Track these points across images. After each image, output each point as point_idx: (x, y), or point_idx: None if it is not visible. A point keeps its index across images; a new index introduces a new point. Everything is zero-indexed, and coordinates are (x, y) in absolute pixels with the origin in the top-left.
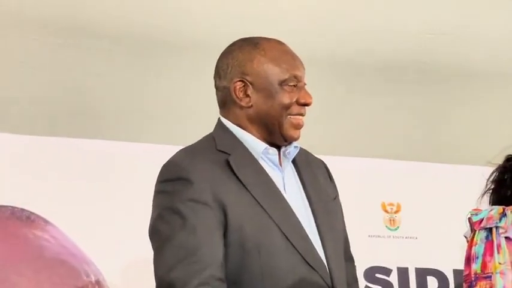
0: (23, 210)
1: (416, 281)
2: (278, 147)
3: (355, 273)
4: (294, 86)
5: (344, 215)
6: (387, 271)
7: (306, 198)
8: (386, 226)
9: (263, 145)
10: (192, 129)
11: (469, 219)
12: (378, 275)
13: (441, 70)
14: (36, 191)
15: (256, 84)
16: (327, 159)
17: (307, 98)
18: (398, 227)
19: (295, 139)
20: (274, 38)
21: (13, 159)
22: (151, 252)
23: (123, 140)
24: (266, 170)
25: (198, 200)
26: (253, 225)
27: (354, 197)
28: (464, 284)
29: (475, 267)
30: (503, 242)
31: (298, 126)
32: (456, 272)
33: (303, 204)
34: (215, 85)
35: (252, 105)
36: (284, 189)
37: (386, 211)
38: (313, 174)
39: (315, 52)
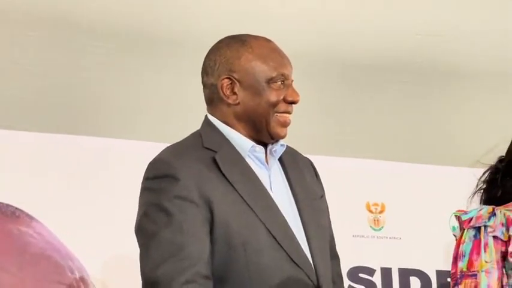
0: (8, 205)
1: (400, 281)
2: (265, 145)
3: (340, 271)
4: (281, 84)
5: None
6: (371, 271)
7: (292, 196)
8: (370, 226)
9: (250, 143)
10: (185, 127)
11: (458, 217)
12: (361, 275)
13: (429, 71)
14: (22, 187)
15: (243, 81)
16: (313, 159)
17: (295, 96)
18: (382, 227)
19: (282, 137)
20: (262, 35)
21: None
22: (137, 249)
23: (114, 137)
24: (253, 168)
25: (185, 197)
26: (239, 223)
27: (338, 196)
28: (451, 281)
29: (462, 265)
30: (490, 241)
31: (285, 124)
32: (439, 273)
33: (289, 202)
34: (202, 82)
35: (239, 103)
36: (270, 187)
37: (370, 211)
38: (300, 172)
39: (305, 51)
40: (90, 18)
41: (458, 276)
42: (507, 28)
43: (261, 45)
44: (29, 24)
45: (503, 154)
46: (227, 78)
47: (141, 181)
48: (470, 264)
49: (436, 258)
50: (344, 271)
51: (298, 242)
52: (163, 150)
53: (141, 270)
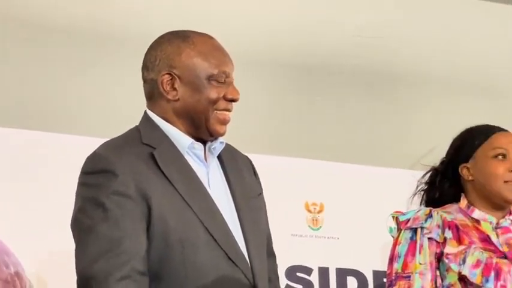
0: None
1: (337, 281)
2: (204, 143)
3: (276, 269)
4: (222, 81)
5: (267, 213)
6: (308, 270)
7: (231, 194)
8: (309, 226)
9: (189, 139)
10: (124, 122)
11: (396, 218)
12: (299, 274)
13: (370, 72)
14: None
15: (184, 77)
16: (253, 157)
17: (235, 93)
18: (320, 226)
19: (221, 134)
20: (205, 32)
21: None
22: (73, 244)
23: (50, 131)
24: (191, 164)
25: (122, 192)
26: (177, 220)
27: (278, 195)
28: (386, 282)
29: (396, 266)
30: (426, 242)
31: (224, 122)
32: (376, 273)
33: (227, 200)
34: (143, 77)
35: (178, 99)
36: (208, 184)
37: (309, 211)
38: (239, 170)
39: (248, 50)
40: (32, 12)
41: (393, 278)
42: (448, 30)
43: (203, 41)
44: None
45: (443, 156)
46: (167, 74)
47: (78, 176)
48: (405, 265)
49: (373, 259)
50: (282, 270)
51: (235, 240)
52: (101, 145)
53: (76, 266)
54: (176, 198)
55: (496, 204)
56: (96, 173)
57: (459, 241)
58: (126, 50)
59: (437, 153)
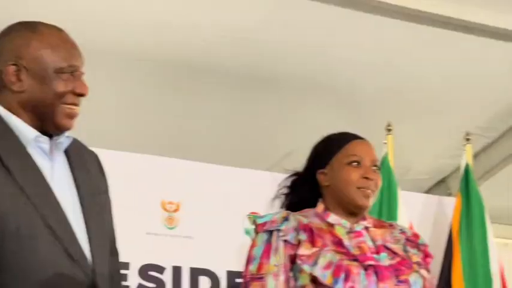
0: None
1: (190, 280)
2: (51, 136)
3: (119, 267)
4: (71, 75)
5: (123, 211)
6: (161, 269)
7: (76, 190)
8: (164, 224)
9: (34, 133)
10: None
11: (254, 221)
12: (151, 273)
13: (235, 73)
14: None
15: (30, 69)
16: (108, 154)
17: (83, 88)
18: (176, 226)
19: (68, 129)
20: (54, 24)
21: None
22: None
23: None
24: (35, 158)
25: None
26: (15, 213)
27: (134, 193)
28: (241, 284)
29: (252, 268)
30: (281, 245)
31: (71, 116)
32: (230, 274)
33: (71, 196)
34: None
35: (24, 90)
36: (52, 178)
37: (165, 209)
38: (85, 166)
39: (108, 46)
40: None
41: (248, 279)
42: (316, 36)
43: (52, 34)
44: None
45: (302, 159)
46: (14, 64)
47: None
48: (260, 267)
49: (227, 259)
50: (135, 268)
51: (76, 236)
52: None
53: None
54: (16, 190)
55: (350, 210)
56: None
57: (313, 243)
58: None
59: (297, 157)
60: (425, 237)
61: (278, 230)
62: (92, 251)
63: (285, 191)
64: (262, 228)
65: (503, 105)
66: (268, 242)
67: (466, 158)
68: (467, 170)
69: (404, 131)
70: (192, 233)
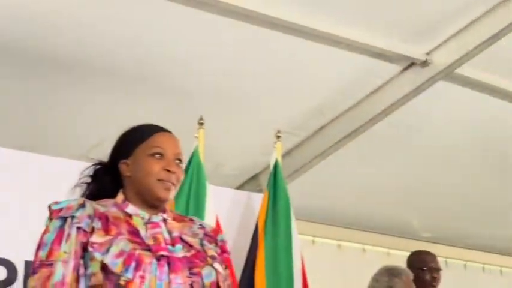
0: None
1: None
2: None
3: None
4: None
5: None
6: None
7: None
8: None
9: None
10: None
11: (49, 207)
12: None
13: (39, 57)
14: None
15: None
16: None
17: None
18: None
19: None
20: None
21: None
22: None
23: None
24: None
25: None
26: None
27: None
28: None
29: (42, 254)
30: (74, 231)
31: None
32: (28, 263)
33: None
34: None
35: None
36: None
37: None
38: None
39: None
40: None
41: (37, 265)
42: (130, 25)
43: None
44: None
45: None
46: None
47: None
48: (50, 253)
49: (25, 249)
50: None
51: None
52: None
53: None
54: None
55: (150, 202)
56: None
57: (106, 232)
58: None
59: (106, 147)
60: (233, 232)
61: (72, 217)
62: None
63: (87, 180)
64: (57, 215)
65: (315, 104)
66: (61, 229)
67: (276, 155)
68: (276, 167)
69: (217, 126)
70: None
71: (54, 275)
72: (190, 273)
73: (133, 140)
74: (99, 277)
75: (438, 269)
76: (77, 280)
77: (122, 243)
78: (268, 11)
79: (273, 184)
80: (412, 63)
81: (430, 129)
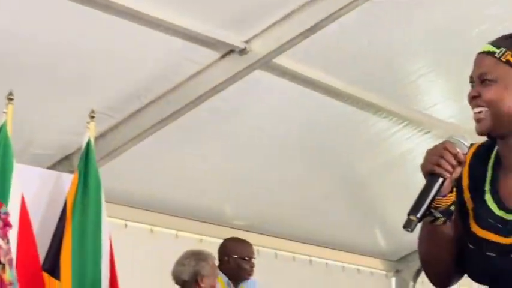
0: None
1: None
2: None
3: None
4: None
5: None
6: None
7: None
8: None
9: None
10: None
11: None
12: None
13: None
14: None
15: None
16: None
17: None
18: None
19: None
20: None
21: None
22: None
23: None
24: None
25: None
26: None
27: None
28: None
29: None
30: None
31: None
32: None
33: None
34: None
35: None
36: None
37: None
38: None
39: None
40: None
41: None
42: None
43: None
44: None
45: None
46: None
47: None
48: None
49: None
50: None
51: None
52: None
53: None
54: None
55: None
56: None
57: None
58: None
59: None
60: (40, 212)
61: None
62: None
63: None
64: None
65: (131, 87)
66: None
67: (89, 136)
68: (88, 148)
69: (28, 102)
70: None
71: None
72: None
73: None
74: None
75: (254, 258)
76: None
77: None
78: None
79: (84, 165)
80: (230, 51)
81: (247, 117)
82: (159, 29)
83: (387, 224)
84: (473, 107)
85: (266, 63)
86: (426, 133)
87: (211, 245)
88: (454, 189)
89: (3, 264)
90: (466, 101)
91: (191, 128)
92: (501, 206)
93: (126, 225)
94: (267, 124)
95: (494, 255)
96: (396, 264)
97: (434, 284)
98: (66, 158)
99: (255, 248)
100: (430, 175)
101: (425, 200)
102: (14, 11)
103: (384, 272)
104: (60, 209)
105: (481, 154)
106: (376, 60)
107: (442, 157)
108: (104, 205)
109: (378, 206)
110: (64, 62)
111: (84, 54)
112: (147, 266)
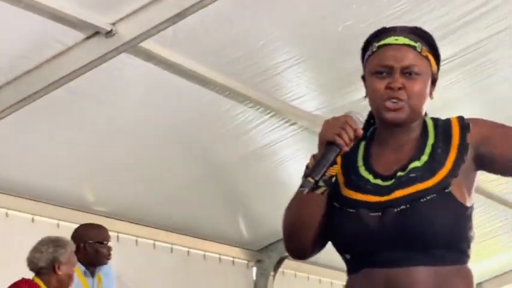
0: None
1: None
2: None
3: None
4: None
5: None
6: None
7: None
8: None
9: None
10: None
11: None
12: None
13: None
14: None
15: None
16: None
17: None
18: None
19: None
20: None
21: None
22: None
23: None
24: None
25: None
26: None
27: None
28: None
29: None
30: None
31: None
32: None
33: None
34: None
35: None
36: None
37: None
38: None
39: None
40: None
41: None
42: None
43: None
44: None
45: None
46: None
47: None
48: None
49: None
50: None
51: None
52: None
53: None
54: None
55: None
56: None
57: None
58: None
59: None
60: None
61: None
62: None
63: None
64: None
65: None
66: None
67: None
68: None
69: None
70: None
71: None
72: None
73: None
74: None
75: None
76: None
77: None
78: None
79: None
80: (96, 32)
81: (111, 101)
82: (19, 5)
83: (250, 214)
84: (392, 97)
85: (132, 47)
86: (292, 124)
87: (69, 231)
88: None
89: None
90: (331, 94)
91: (52, 110)
92: (376, 175)
93: (7, 214)
94: (131, 109)
95: (378, 213)
96: (257, 254)
97: (295, 254)
98: None
99: (115, 234)
100: (328, 144)
101: (323, 165)
102: None
103: (245, 262)
104: None
105: None
106: (244, 49)
107: (344, 129)
108: None
109: (241, 196)
110: None
111: None
112: (2, 251)
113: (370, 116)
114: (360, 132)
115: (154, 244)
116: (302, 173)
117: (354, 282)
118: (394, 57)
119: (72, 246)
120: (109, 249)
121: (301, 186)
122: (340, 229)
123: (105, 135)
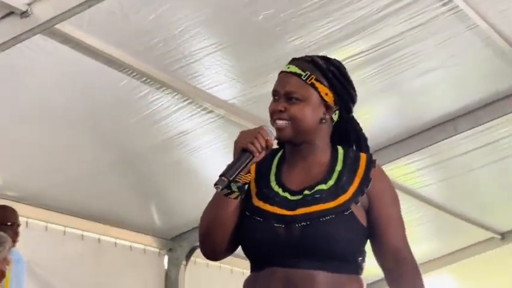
0: None
1: None
2: None
3: None
4: None
5: None
6: None
7: None
8: None
9: None
10: None
11: None
12: None
13: None
14: None
15: None
16: None
17: None
18: None
19: None
20: None
21: None
22: None
23: None
24: None
25: None
26: None
27: None
28: None
29: None
30: None
31: None
32: None
33: None
34: None
35: None
36: None
37: None
38: None
39: None
40: None
41: None
42: None
43: None
44: None
45: None
46: None
47: None
48: None
49: None
50: None
51: None
52: None
53: None
54: None
55: None
56: None
57: None
58: None
59: None
60: None
61: None
62: None
63: None
64: None
65: None
66: None
67: None
68: None
69: None
70: None
71: None
72: None
73: None
74: None
75: (19, 225)
76: None
77: None
78: None
79: None
80: (11, 12)
81: (25, 83)
82: None
83: (163, 202)
84: (276, 119)
85: (48, 28)
86: (208, 112)
87: None
88: (250, 173)
89: None
90: (248, 83)
91: None
92: (285, 189)
93: None
94: (45, 91)
95: (282, 225)
96: (169, 242)
97: (208, 254)
98: None
99: (24, 219)
100: (243, 151)
101: (236, 168)
102: None
103: (157, 250)
104: None
105: (266, 157)
106: (162, 35)
107: (256, 138)
108: None
109: (155, 184)
110: None
111: None
112: None
113: None
114: (271, 143)
115: (64, 231)
116: (217, 163)
117: (255, 280)
118: (281, 83)
119: (10, 244)
120: (16, 232)
121: (216, 184)
122: (248, 235)
123: (17, 117)
